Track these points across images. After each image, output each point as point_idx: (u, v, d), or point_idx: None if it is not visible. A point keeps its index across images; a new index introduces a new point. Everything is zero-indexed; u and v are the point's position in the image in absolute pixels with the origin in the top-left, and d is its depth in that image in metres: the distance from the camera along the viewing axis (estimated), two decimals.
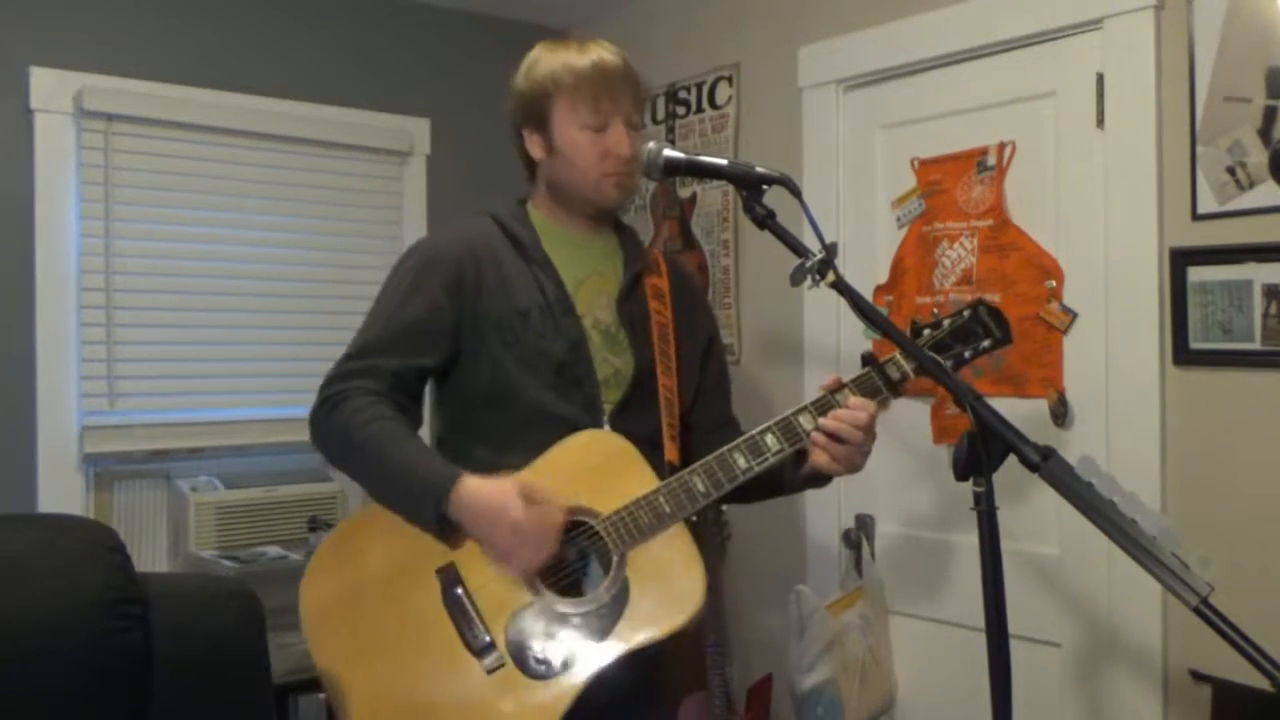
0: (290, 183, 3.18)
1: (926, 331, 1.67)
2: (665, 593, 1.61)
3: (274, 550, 2.88)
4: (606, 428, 1.72)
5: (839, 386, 1.64)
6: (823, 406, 1.63)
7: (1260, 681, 1.12)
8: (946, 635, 2.50)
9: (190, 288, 3.00)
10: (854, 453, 1.62)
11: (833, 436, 1.61)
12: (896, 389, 1.65)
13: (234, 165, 3.07)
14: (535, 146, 1.81)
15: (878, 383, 1.65)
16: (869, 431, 1.62)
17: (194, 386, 3.00)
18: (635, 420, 1.75)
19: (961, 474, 1.26)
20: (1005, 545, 1.27)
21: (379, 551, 1.64)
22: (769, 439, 1.62)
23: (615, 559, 1.60)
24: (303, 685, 2.61)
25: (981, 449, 1.24)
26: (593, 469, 1.65)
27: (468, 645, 1.58)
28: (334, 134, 3.22)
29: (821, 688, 2.37)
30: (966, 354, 1.67)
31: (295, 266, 3.18)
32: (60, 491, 2.79)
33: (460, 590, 1.60)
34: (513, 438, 1.70)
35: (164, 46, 2.98)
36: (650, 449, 1.72)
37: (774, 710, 2.81)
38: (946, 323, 1.67)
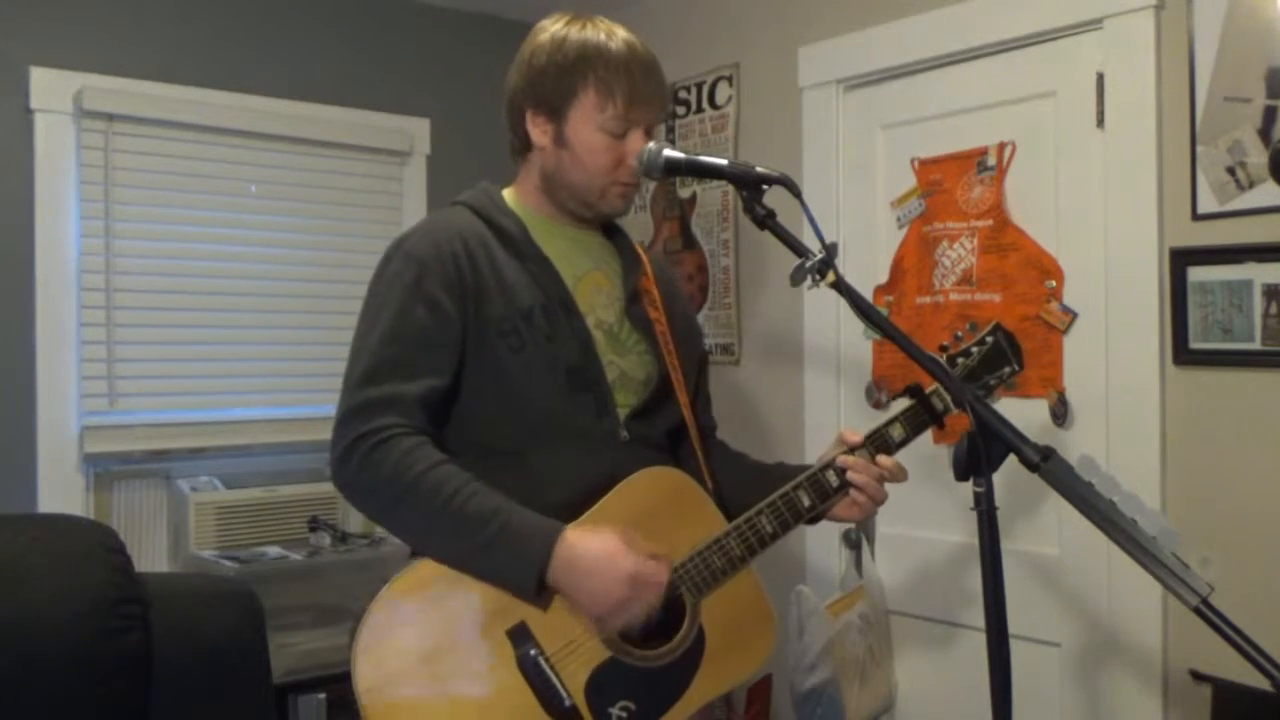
0: (290, 183, 3.18)
1: (960, 360, 1.68)
2: (739, 643, 1.59)
3: (274, 550, 2.88)
4: (623, 434, 1.63)
5: (890, 421, 1.64)
6: (878, 441, 1.63)
7: (1260, 681, 1.12)
8: (946, 635, 2.51)
9: (190, 288, 3.00)
10: (870, 506, 1.63)
11: (859, 489, 1.61)
12: (940, 420, 1.64)
13: (234, 165, 3.08)
14: (539, 132, 1.64)
15: (925, 418, 1.64)
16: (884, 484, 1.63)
17: (194, 386, 3.01)
18: (648, 425, 1.68)
19: (961, 474, 1.26)
20: (1005, 545, 1.28)
21: (441, 613, 1.48)
22: (830, 476, 1.61)
23: (690, 607, 1.55)
24: (303, 685, 2.62)
25: (982, 449, 1.24)
26: (655, 510, 1.56)
27: (549, 712, 1.47)
28: (334, 134, 3.23)
29: (821, 688, 2.37)
30: (991, 382, 1.67)
31: (295, 266, 3.18)
32: (60, 491, 2.79)
33: (535, 651, 1.48)
34: (521, 453, 1.58)
35: (164, 46, 2.98)
36: (661, 455, 1.68)
37: (774, 710, 2.81)
38: (975, 350, 1.67)
